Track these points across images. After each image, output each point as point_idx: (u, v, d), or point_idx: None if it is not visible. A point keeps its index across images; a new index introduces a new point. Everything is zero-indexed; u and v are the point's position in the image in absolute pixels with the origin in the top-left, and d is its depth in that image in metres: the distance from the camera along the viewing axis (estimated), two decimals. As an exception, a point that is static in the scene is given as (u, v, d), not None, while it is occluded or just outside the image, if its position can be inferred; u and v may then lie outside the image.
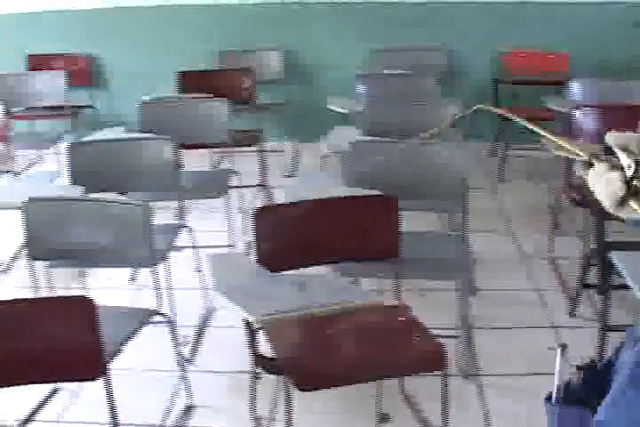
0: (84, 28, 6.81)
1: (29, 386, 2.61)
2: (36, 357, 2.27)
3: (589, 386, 1.10)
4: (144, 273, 4.16)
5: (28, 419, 3.15)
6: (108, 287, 4.12)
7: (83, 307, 2.22)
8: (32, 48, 6.70)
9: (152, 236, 2.93)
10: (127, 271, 4.27)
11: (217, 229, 4.56)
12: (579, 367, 1.41)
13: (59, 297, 2.69)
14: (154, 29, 6.72)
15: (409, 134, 3.92)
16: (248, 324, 2.61)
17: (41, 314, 2.28)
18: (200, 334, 3.77)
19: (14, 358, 2.26)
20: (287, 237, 2.85)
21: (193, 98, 4.95)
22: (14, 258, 4.32)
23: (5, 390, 2.83)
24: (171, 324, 3.09)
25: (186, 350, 3.57)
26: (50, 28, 6.80)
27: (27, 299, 2.53)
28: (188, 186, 4.10)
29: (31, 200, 3.02)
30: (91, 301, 2.21)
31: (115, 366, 2.53)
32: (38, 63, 6.62)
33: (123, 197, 3.56)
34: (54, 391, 3.29)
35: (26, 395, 3.13)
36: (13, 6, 6.75)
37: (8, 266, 4.22)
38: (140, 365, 3.44)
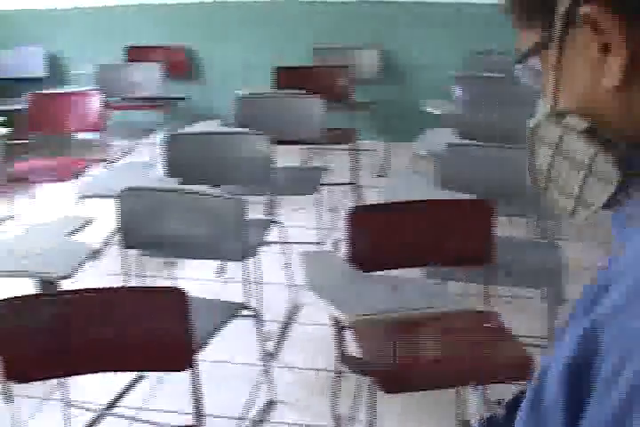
0: (182, 20, 6.89)
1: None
2: (125, 345, 2.29)
3: (512, 417, 1.07)
4: (230, 266, 4.19)
5: (112, 405, 3.20)
6: (195, 279, 4.15)
7: (175, 298, 2.23)
8: (132, 39, 6.80)
9: (245, 230, 2.95)
10: (214, 263, 4.30)
11: (305, 225, 4.56)
12: (499, 402, 1.37)
13: (152, 287, 2.72)
14: (252, 24, 6.76)
15: (504, 138, 3.89)
16: (337, 322, 2.60)
17: (133, 303, 2.31)
18: (284, 329, 3.78)
19: (103, 345, 2.28)
20: (379, 238, 2.83)
21: (288, 94, 4.96)
22: (105, 245, 4.39)
23: (91, 376, 2.89)
24: (257, 318, 3.10)
25: (269, 346, 3.58)
26: (149, 20, 6.90)
27: (120, 288, 2.56)
28: (280, 181, 4.12)
29: (128, 190, 3.05)
30: (183, 292, 2.22)
31: (199, 358, 2.55)
32: (137, 55, 6.72)
33: (217, 191, 3.60)
34: (139, 379, 3.33)
35: (111, 381, 3.19)
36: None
37: (100, 253, 4.28)
38: (223, 357, 3.46)
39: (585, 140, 0.79)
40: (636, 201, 0.78)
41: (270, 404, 3.21)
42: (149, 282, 3.50)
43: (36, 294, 2.60)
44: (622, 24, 0.70)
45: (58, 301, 2.26)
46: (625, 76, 0.72)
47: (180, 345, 2.28)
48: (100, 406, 3.19)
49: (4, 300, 2.19)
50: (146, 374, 3.34)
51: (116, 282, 3.48)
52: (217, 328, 2.78)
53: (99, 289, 2.30)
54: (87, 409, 3.14)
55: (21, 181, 4.97)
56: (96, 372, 2.43)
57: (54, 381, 2.95)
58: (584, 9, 0.72)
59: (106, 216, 3.44)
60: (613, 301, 0.70)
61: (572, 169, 0.82)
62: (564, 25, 0.77)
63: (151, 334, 2.29)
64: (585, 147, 0.79)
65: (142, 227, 3.08)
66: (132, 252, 3.17)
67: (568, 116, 0.82)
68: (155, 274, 3.96)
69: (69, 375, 2.51)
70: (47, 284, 2.92)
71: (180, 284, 3.31)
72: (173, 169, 3.79)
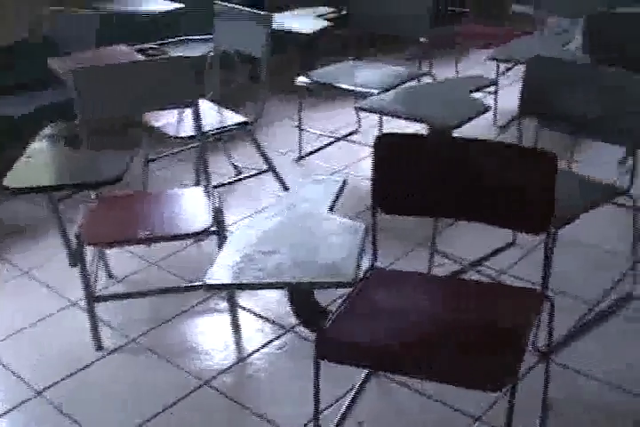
0: None
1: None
2: (488, 197, 2.29)
3: None
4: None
5: (478, 263, 3.38)
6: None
7: (545, 160, 2.16)
8: None
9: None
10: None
11: None
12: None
13: (528, 149, 2.61)
14: None
15: None
16: None
17: (505, 160, 2.27)
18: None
19: (470, 195, 2.31)
20: None
21: None
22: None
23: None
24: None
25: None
26: None
27: (498, 142, 2.50)
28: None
29: (537, 57, 3.06)
30: (553, 157, 2.14)
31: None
32: None
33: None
34: (509, 245, 3.46)
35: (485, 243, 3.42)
36: None
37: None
38: (591, 241, 3.50)
39: None
40: None
41: (627, 298, 3.12)
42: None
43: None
44: None
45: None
46: None
47: (541, 209, 2.22)
48: (467, 262, 3.38)
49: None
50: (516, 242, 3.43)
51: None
52: (586, 208, 2.75)
53: (485, 142, 2.32)
54: (454, 260, 3.34)
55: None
56: (457, 218, 2.56)
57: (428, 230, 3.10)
58: None
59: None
60: None
61: None
62: None
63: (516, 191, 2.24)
64: None
65: (544, 98, 3.03)
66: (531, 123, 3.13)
67: None
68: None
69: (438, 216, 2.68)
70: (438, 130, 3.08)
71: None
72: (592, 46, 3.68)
